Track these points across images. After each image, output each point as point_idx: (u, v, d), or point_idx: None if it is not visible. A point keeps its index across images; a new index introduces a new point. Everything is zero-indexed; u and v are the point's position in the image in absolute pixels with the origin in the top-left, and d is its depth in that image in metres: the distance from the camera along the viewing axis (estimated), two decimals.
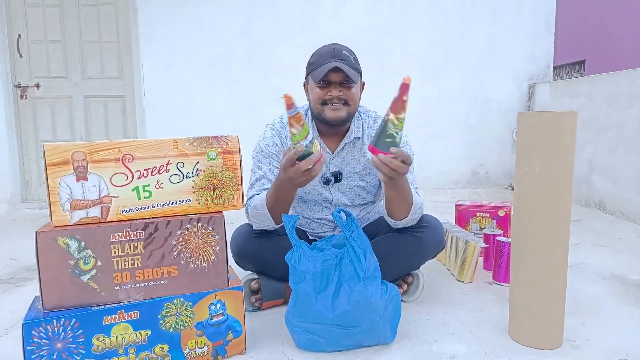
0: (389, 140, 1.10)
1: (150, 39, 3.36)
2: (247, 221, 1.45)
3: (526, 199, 1.17)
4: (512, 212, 1.26)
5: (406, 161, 1.12)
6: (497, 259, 1.65)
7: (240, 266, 1.48)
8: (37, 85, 3.35)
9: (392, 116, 1.08)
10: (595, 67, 5.47)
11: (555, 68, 3.55)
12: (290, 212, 1.59)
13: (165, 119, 3.43)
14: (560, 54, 3.68)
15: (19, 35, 3.29)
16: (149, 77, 3.39)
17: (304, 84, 1.46)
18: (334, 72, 1.31)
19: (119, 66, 3.42)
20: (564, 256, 1.17)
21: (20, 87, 3.33)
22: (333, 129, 1.43)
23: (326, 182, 1.47)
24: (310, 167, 1.12)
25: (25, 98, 3.35)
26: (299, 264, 1.18)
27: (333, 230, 1.55)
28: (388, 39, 3.46)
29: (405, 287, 1.50)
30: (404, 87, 1.07)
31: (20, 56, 3.31)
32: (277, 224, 1.35)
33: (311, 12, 3.40)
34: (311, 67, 1.38)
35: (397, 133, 1.10)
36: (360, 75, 1.40)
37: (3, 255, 2.18)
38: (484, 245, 1.66)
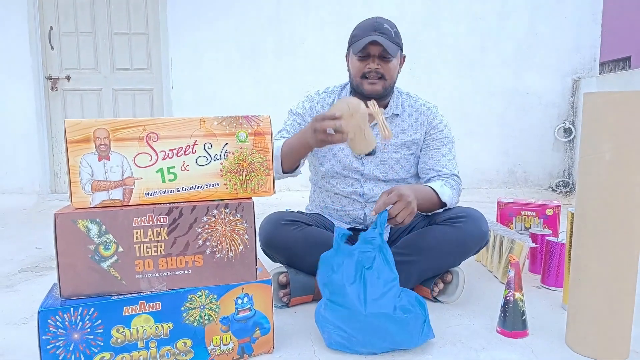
0: (523, 318, 1.17)
1: (179, 31, 3.33)
2: (277, 210, 1.42)
3: (593, 190, 1.03)
4: (575, 206, 1.12)
5: (400, 199, 1.16)
6: (546, 261, 1.50)
7: (268, 256, 1.40)
8: (68, 77, 3.36)
9: (518, 295, 1.16)
10: None
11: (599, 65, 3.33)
12: (322, 192, 1.53)
13: (192, 111, 3.38)
14: (603, 50, 3.45)
15: (51, 27, 3.31)
16: (177, 70, 3.36)
17: (346, 55, 1.47)
18: (372, 45, 1.33)
19: (147, 59, 3.40)
20: (634, 257, 1.03)
21: (51, 79, 3.35)
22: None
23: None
24: (330, 132, 1.12)
25: (56, 90, 3.37)
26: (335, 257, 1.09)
27: (364, 208, 1.48)
28: (422, 31, 3.32)
29: (441, 285, 1.38)
30: (516, 266, 1.16)
31: (52, 48, 3.34)
32: (283, 172, 1.34)
33: (341, 3, 3.30)
34: (352, 40, 1.39)
35: (524, 310, 1.18)
36: (401, 49, 1.40)
37: (28, 244, 2.17)
38: (533, 244, 1.52)
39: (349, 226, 1.50)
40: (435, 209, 1.37)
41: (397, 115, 1.46)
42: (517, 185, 3.40)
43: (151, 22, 3.36)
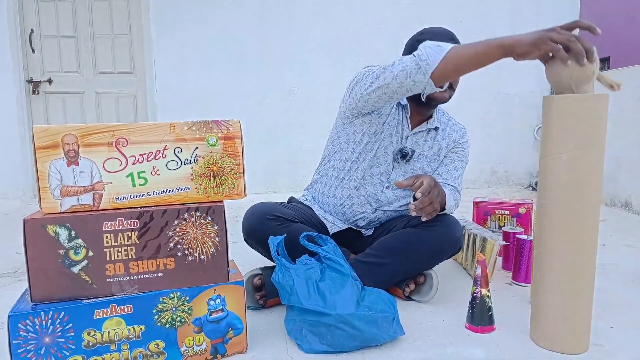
0: (490, 313, 1.20)
1: (163, 34, 3.33)
2: (263, 201, 1.44)
3: (551, 190, 1.07)
4: (536, 205, 1.16)
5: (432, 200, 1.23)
6: (517, 258, 1.54)
7: (249, 245, 1.42)
8: (50, 81, 3.35)
9: (484, 291, 1.20)
10: (621, 64, 5.27)
11: None
12: (334, 179, 1.48)
13: (176, 115, 3.40)
14: None
15: (32, 30, 3.30)
16: (161, 73, 3.36)
17: (403, 54, 1.43)
18: None
19: (130, 61, 3.40)
20: (592, 254, 1.07)
21: (33, 82, 3.33)
22: (422, 110, 1.44)
23: (399, 155, 1.43)
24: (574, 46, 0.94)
25: (38, 93, 3.35)
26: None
27: (372, 214, 1.48)
28: (405, 32, 3.35)
29: (413, 286, 1.40)
30: (483, 263, 1.20)
31: (33, 51, 3.32)
32: (434, 81, 1.13)
33: (325, 6, 3.33)
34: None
35: (491, 306, 1.21)
36: None
37: (9, 249, 2.16)
38: (504, 242, 1.56)
39: (343, 226, 1.49)
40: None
41: (437, 129, 1.50)
42: (498, 184, 3.46)
43: (134, 25, 3.36)
